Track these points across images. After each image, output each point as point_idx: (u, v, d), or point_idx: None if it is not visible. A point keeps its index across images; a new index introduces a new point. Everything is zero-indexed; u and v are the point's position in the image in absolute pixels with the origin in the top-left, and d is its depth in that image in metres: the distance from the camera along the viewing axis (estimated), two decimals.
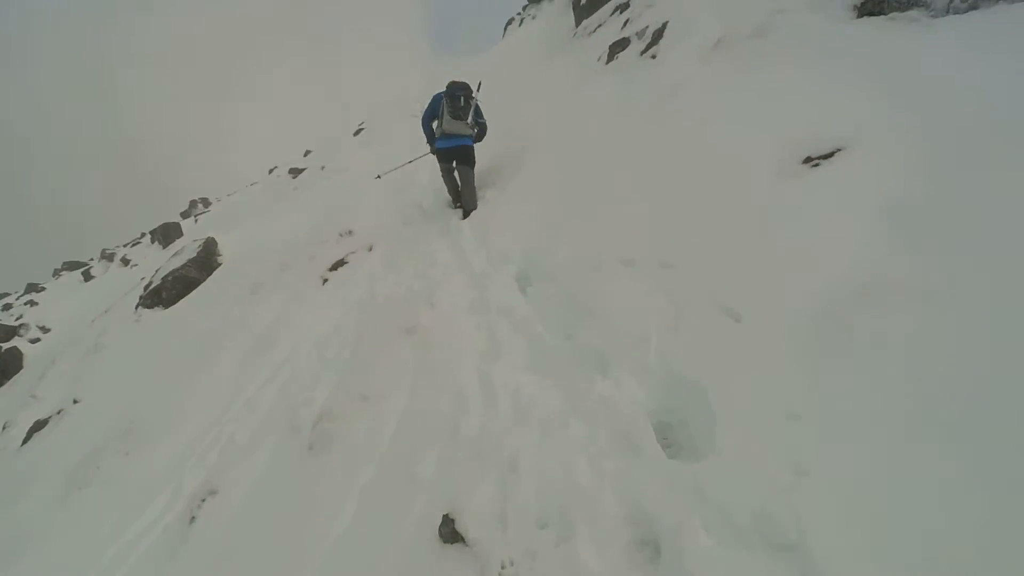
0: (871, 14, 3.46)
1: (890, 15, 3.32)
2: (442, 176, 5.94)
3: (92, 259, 22.41)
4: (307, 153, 18.22)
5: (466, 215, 5.45)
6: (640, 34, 6.52)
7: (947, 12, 3.04)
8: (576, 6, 11.22)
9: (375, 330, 3.80)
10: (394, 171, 6.98)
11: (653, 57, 5.81)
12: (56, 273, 24.10)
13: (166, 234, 13.47)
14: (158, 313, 8.14)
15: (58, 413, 6.32)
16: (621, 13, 8.71)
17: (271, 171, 18.05)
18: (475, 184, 5.65)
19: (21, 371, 12.29)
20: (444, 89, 6.09)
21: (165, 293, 8.11)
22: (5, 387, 11.80)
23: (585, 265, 3.02)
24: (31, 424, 6.50)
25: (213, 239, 8.70)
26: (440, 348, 3.09)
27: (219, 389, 4.78)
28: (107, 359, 7.64)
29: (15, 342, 13.97)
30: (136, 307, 8.46)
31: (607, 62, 6.94)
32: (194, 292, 7.90)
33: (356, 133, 13.84)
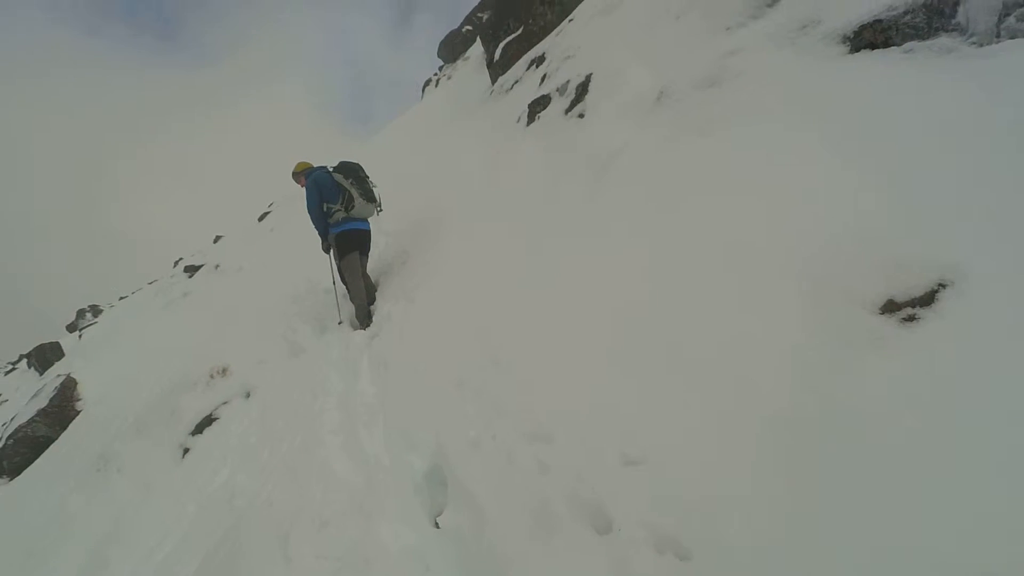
0: (872, 46, 2.50)
1: (905, 46, 2.35)
2: (350, 277, 4.77)
3: None
4: (217, 239, 16.50)
5: (365, 321, 4.58)
6: (561, 89, 5.58)
7: (997, 36, 2.08)
8: (490, 64, 10.45)
9: None
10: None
11: (580, 116, 4.83)
12: None
13: (42, 358, 11.30)
14: (3, 487, 6.26)
15: None
16: (537, 67, 7.89)
17: (176, 263, 16.16)
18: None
19: None
20: (329, 167, 5.02)
21: (7, 461, 6.27)
22: None
23: (525, 509, 1.73)
24: None
25: (72, 380, 6.95)
26: None
27: None
28: None
29: None
30: None
31: (528, 123, 5.95)
32: (42, 457, 6.11)
33: (261, 218, 12.38)
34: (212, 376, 4.79)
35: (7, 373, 14.42)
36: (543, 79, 6.56)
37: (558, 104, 5.48)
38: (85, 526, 4.08)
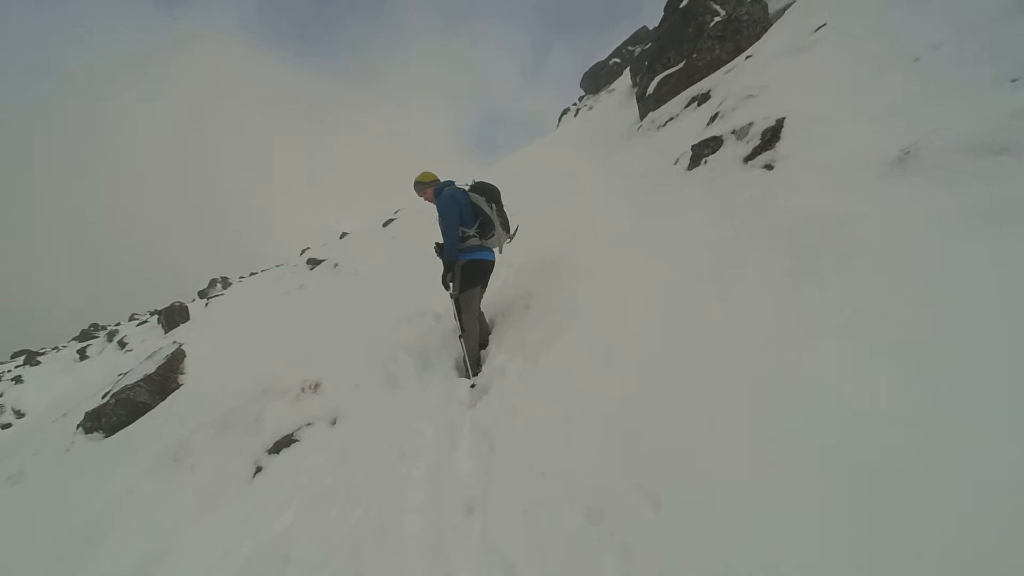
0: None
1: None
2: (467, 314, 4.19)
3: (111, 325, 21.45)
4: (343, 236, 17.17)
5: (475, 367, 4.01)
6: (740, 133, 4.72)
7: None
8: (641, 97, 9.78)
9: None
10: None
11: (767, 167, 3.95)
12: (87, 335, 23.49)
13: (170, 318, 12.19)
14: (95, 443, 6.44)
15: None
16: (699, 105, 7.08)
17: (302, 253, 17.03)
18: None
19: None
20: (458, 184, 4.54)
21: (105, 419, 6.45)
22: None
23: None
24: None
25: (181, 351, 7.11)
26: None
27: None
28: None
29: None
30: (77, 426, 6.83)
31: (690, 167, 5.14)
32: (136, 423, 6.21)
33: (386, 224, 12.54)
34: (303, 390, 4.44)
35: (139, 324, 15.94)
36: (713, 118, 5.73)
37: (734, 149, 4.62)
38: (143, 522, 3.82)
